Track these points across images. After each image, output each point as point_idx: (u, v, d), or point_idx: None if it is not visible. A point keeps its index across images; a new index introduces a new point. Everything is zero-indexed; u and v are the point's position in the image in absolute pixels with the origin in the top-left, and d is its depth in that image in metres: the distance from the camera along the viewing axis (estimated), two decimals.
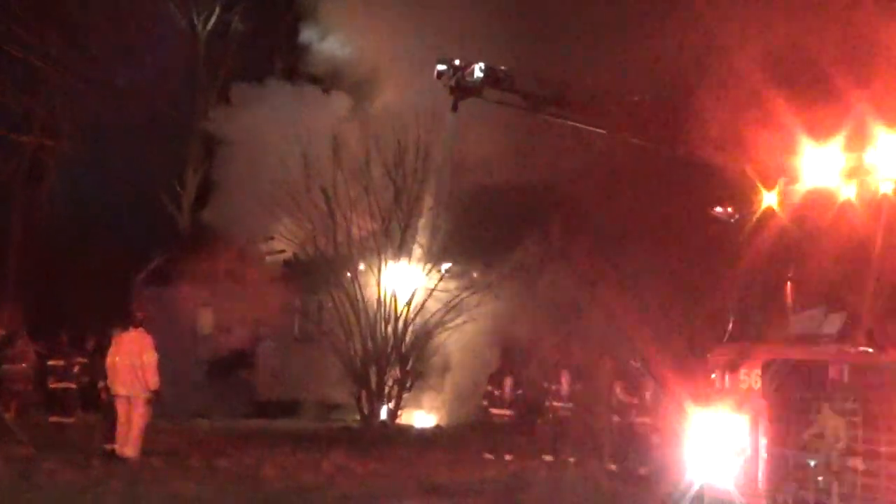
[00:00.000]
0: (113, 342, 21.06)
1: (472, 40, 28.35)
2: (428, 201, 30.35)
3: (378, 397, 29.97)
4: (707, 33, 19.87)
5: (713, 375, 9.33)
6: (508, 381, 24.19)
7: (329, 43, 39.64)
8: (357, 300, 30.01)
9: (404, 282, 30.40)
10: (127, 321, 21.65)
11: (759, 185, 9.60)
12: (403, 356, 30.27)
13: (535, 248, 30.18)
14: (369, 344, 30.01)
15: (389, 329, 30.06)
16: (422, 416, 32.17)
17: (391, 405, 30.17)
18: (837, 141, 9.10)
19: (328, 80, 38.71)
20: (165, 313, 34.34)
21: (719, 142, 13.74)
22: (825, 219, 8.95)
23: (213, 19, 45.84)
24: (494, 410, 24.17)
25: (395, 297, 30.11)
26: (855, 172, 8.79)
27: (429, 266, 30.54)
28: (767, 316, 9.52)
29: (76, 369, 27.89)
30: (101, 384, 21.66)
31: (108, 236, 42.92)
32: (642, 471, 20.96)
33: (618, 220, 26.96)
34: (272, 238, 33.81)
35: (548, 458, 23.50)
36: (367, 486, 18.38)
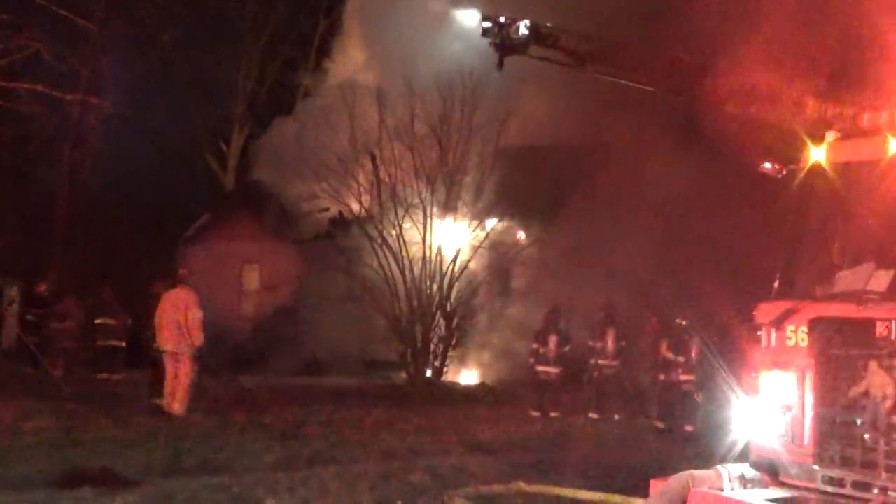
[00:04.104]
0: (160, 300, 21.22)
1: None
2: (473, 159, 30.26)
3: (423, 355, 30.01)
4: None
5: (759, 333, 9.26)
6: (553, 339, 24.17)
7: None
8: (401, 258, 30.00)
9: (450, 239, 30.36)
10: (172, 279, 21.83)
11: (807, 139, 9.50)
12: (449, 314, 30.28)
13: (581, 206, 30.04)
14: (414, 302, 30.03)
15: (434, 287, 30.06)
16: (467, 374, 32.21)
17: (436, 363, 30.22)
18: (886, 93, 8.99)
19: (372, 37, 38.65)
20: (210, 271, 34.62)
21: (767, 97, 13.57)
22: (873, 173, 8.84)
23: None
24: (540, 368, 24.17)
25: (440, 254, 30.09)
26: None
27: (474, 224, 30.48)
28: (814, 272, 9.43)
29: (123, 327, 28.12)
30: (150, 343, 21.83)
31: (154, 195, 43.15)
32: (688, 428, 20.95)
33: (663, 176, 26.79)
34: (326, 209, 33.84)
35: (594, 415, 23.53)
36: (411, 442, 18.44)
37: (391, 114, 30.15)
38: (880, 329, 8.24)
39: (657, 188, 27.21)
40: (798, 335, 8.86)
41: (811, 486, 8.68)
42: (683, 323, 21.69)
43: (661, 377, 22.03)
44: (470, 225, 30.48)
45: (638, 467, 14.99)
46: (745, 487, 9.01)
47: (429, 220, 29.99)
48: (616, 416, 23.55)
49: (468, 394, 28.64)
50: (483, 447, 18.24)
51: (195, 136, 44.92)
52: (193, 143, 45.04)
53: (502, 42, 16.55)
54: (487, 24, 17.33)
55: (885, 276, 8.66)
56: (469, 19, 25.32)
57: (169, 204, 43.26)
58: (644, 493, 9.81)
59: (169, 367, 20.68)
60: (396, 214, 30.09)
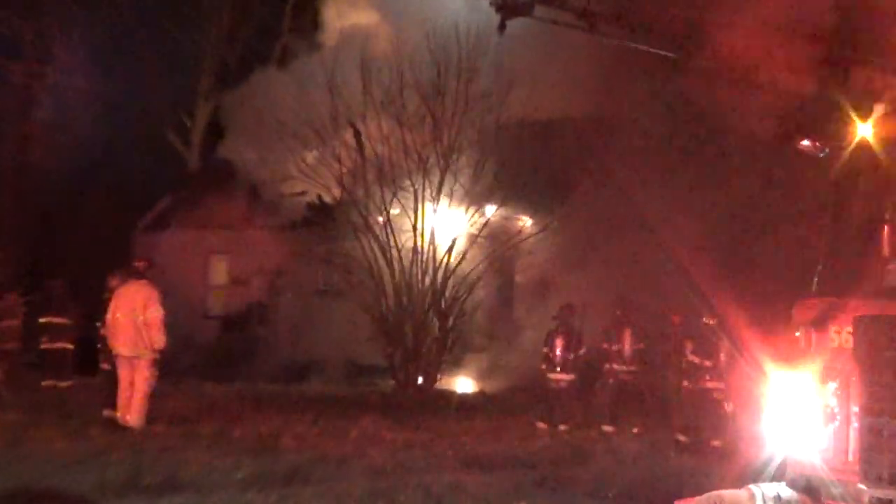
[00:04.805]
0: (113, 296, 21.15)
1: None
2: (471, 135, 30.15)
3: (414, 359, 29.96)
4: None
5: (798, 333, 9.24)
6: (566, 341, 24.10)
7: None
8: (389, 248, 29.93)
9: (444, 227, 30.28)
10: (128, 272, 21.74)
11: (853, 114, 9.46)
12: (443, 312, 30.22)
13: (594, 189, 30.01)
14: (404, 298, 29.97)
15: (427, 281, 29.99)
16: (464, 381, 32.21)
17: (429, 368, 30.17)
18: None
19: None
20: (172, 263, 34.59)
21: (807, 67, 13.54)
22: None
23: None
24: (553, 375, 24.11)
25: (433, 244, 30.03)
26: None
27: (472, 209, 30.39)
28: (860, 265, 9.41)
29: (73, 327, 28.03)
30: (103, 345, 21.78)
31: (109, 176, 43.10)
32: (715, 442, 20.92)
33: (688, 156, 26.76)
34: (303, 192, 33.81)
35: (608, 428, 23.49)
36: (400, 457, 18.43)
37: (377, 82, 30.04)
38: None
39: (680, 168, 27.18)
40: (842, 336, 8.85)
41: None
42: (711, 322, 21.64)
43: (686, 384, 21.99)
44: (467, 211, 30.40)
45: (659, 487, 15.00)
46: None
47: (420, 204, 29.94)
48: (634, 429, 23.52)
49: (465, 403, 28.63)
50: (482, 463, 18.24)
51: (155, 108, 44.85)
52: (153, 117, 44.95)
53: (504, 2, 16.53)
54: None
55: None
56: None
57: (125, 186, 43.21)
58: None
59: (124, 373, 20.62)
60: (383, 198, 30.04)
